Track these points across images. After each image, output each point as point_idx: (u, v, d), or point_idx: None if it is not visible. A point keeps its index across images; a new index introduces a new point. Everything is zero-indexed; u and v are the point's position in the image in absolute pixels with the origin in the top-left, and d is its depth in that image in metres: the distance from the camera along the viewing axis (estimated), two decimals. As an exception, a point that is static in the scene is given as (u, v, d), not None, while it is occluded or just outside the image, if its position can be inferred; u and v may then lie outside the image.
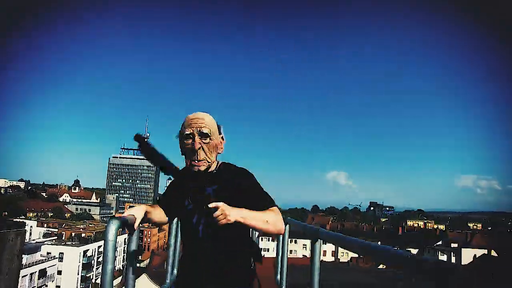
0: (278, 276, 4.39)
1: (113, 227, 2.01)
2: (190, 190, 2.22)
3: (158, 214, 2.46)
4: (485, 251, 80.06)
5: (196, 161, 2.28)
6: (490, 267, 58.57)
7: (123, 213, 2.27)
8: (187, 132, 2.27)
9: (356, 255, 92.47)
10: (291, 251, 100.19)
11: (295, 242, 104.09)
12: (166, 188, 2.66)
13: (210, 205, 2.02)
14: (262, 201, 2.30)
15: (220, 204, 2.02)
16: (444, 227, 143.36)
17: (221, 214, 2.00)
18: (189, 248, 2.46)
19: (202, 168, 2.29)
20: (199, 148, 2.25)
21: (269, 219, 2.21)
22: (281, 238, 4.25)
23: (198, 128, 2.26)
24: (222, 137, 2.39)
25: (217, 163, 2.43)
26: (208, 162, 2.30)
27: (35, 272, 53.18)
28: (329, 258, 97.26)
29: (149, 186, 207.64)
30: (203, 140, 2.27)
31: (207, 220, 2.24)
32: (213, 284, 2.33)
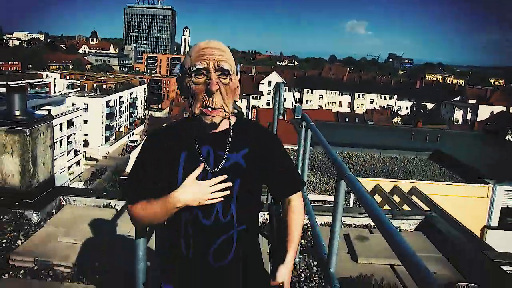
0: (300, 169, 3.93)
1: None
2: (202, 154, 1.64)
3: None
4: (503, 109, 79.77)
5: (210, 109, 1.55)
6: (506, 124, 59.24)
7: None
8: (199, 66, 1.53)
9: (372, 108, 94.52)
10: (307, 101, 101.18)
11: (311, 92, 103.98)
12: (136, 163, 1.72)
13: (273, 283, 1.66)
14: (292, 182, 1.81)
15: (280, 280, 1.67)
16: (463, 82, 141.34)
17: None
18: (192, 240, 1.63)
19: (217, 119, 1.57)
20: (216, 90, 1.54)
21: (301, 222, 1.82)
22: (301, 145, 3.85)
23: (217, 62, 1.54)
24: (239, 80, 1.68)
25: (230, 118, 1.71)
26: (225, 112, 1.59)
27: (64, 122, 55.55)
28: (345, 109, 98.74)
29: (166, 35, 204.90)
30: (221, 79, 1.56)
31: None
32: None
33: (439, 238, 4.63)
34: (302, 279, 3.73)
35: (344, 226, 5.10)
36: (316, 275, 3.75)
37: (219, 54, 1.55)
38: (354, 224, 5.10)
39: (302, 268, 3.92)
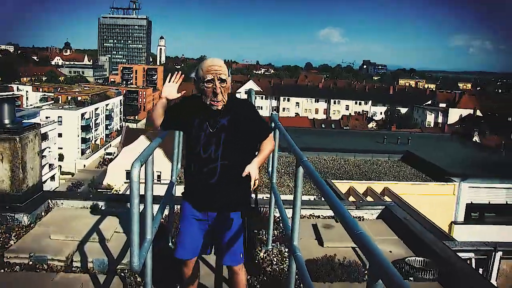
0: (270, 169, 4.60)
1: (136, 170, 2.46)
2: (208, 119, 2.83)
3: (162, 113, 2.95)
4: (471, 111, 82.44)
5: (216, 102, 2.76)
6: (472, 126, 61.19)
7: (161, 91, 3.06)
8: (208, 78, 2.72)
9: (348, 114, 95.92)
10: (284, 109, 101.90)
11: (288, 100, 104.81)
12: (175, 104, 3.04)
13: (243, 174, 2.71)
14: (263, 130, 2.96)
15: (247, 171, 2.72)
16: (434, 86, 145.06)
17: (255, 179, 2.73)
18: (196, 164, 2.87)
19: (220, 106, 2.78)
20: (220, 92, 2.74)
21: (270, 147, 2.98)
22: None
23: (218, 75, 2.72)
24: (231, 79, 2.87)
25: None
26: (224, 102, 2.79)
27: (38, 136, 54.67)
28: (321, 116, 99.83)
29: (141, 46, 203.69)
30: (222, 85, 2.74)
31: (221, 145, 2.81)
32: (218, 202, 2.86)
33: (396, 223, 5.16)
34: (274, 262, 4.17)
35: (313, 217, 5.56)
36: (287, 259, 4.17)
37: (219, 69, 2.73)
38: (322, 216, 5.55)
39: (275, 253, 4.36)
